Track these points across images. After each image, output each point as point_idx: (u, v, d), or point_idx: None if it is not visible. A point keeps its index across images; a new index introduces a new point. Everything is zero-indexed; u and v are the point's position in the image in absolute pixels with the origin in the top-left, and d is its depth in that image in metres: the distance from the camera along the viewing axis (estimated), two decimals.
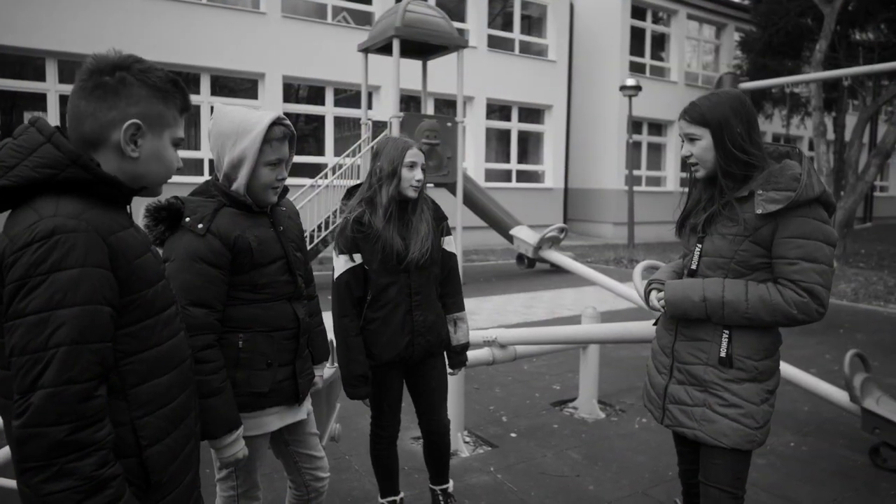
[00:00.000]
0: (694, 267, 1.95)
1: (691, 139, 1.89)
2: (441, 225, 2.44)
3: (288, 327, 1.90)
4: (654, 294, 2.02)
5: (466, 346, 2.58)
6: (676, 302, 1.90)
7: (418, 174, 2.29)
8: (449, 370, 2.57)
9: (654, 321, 2.24)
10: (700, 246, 1.93)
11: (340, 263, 2.33)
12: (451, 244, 2.51)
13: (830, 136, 13.48)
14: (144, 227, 1.74)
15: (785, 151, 1.92)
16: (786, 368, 3.64)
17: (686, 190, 2.06)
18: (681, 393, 1.96)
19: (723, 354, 1.87)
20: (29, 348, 1.04)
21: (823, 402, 3.76)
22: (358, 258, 2.31)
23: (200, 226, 1.74)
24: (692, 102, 1.90)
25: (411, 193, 2.30)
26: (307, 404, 2.08)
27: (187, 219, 1.75)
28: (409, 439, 3.58)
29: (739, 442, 1.86)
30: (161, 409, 1.24)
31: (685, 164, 1.98)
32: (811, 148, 15.98)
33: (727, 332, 1.87)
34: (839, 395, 3.54)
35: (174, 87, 1.28)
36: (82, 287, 1.07)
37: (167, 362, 1.27)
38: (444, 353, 2.54)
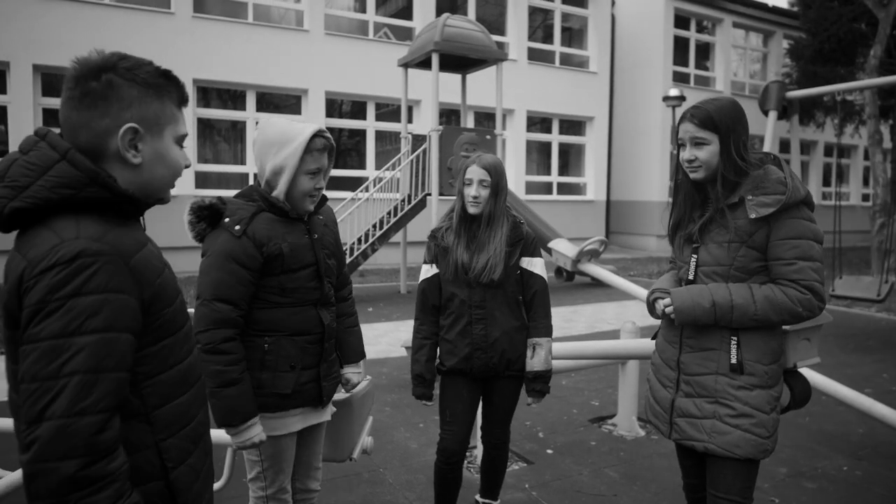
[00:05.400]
0: (691, 277, 1.95)
1: (698, 143, 1.88)
2: (518, 245, 2.44)
3: (313, 332, 1.96)
4: (659, 302, 2.00)
5: (543, 375, 2.46)
6: (686, 309, 1.89)
7: (472, 191, 2.37)
8: (527, 400, 2.53)
9: (652, 336, 2.22)
10: (695, 256, 1.94)
11: (423, 272, 2.53)
12: (535, 265, 2.47)
13: (887, 144, 12.95)
14: (187, 223, 1.84)
15: (759, 158, 1.93)
16: (838, 388, 3.48)
17: (671, 201, 2.08)
18: (689, 406, 1.95)
19: (734, 361, 1.87)
20: (40, 375, 0.98)
21: (879, 424, 3.57)
22: (435, 268, 2.49)
23: (237, 227, 1.82)
24: (696, 106, 1.90)
25: (470, 209, 2.39)
26: (330, 407, 2.13)
27: (226, 219, 1.84)
28: None
29: (752, 452, 1.86)
30: (183, 430, 1.21)
31: (678, 173, 2.00)
32: (866, 157, 15.37)
33: (735, 338, 1.87)
34: None
35: (166, 80, 1.18)
36: (103, 313, 1.02)
37: (186, 381, 1.23)
38: (521, 377, 2.51)
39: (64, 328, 1.00)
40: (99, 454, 1.00)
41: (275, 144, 1.87)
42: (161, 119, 1.18)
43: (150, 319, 1.13)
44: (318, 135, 1.88)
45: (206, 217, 1.85)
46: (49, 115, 10.08)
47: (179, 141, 1.23)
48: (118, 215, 1.14)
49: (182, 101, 1.23)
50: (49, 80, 10.04)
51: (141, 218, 1.22)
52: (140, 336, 1.11)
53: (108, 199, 1.10)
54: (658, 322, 2.13)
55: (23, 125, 9.59)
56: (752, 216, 1.80)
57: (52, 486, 0.97)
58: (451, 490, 2.57)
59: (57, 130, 1.14)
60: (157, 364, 1.16)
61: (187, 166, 1.26)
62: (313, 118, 11.71)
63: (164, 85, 1.18)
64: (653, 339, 2.20)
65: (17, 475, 2.15)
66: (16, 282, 1.04)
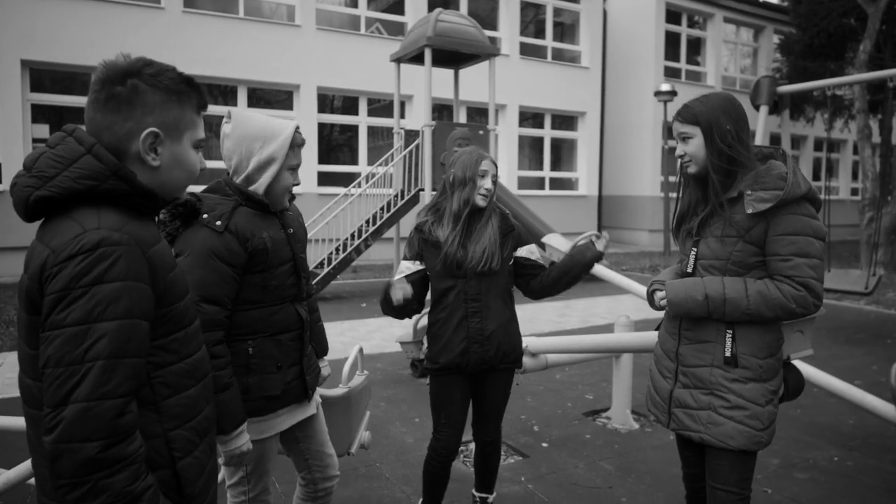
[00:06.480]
0: (690, 270, 1.99)
1: (684, 138, 1.94)
2: (510, 236, 2.46)
3: (293, 328, 1.93)
4: (657, 294, 2.03)
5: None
6: (679, 301, 1.92)
7: (487, 183, 2.38)
8: (596, 248, 2.42)
9: (656, 326, 2.26)
10: (695, 249, 1.97)
11: (403, 268, 2.46)
12: (533, 253, 2.52)
13: (876, 139, 13.04)
14: (160, 222, 1.73)
15: (768, 153, 1.96)
16: (829, 380, 3.51)
17: (677, 195, 2.11)
18: (686, 397, 1.99)
19: (728, 354, 1.90)
20: (65, 360, 1.02)
21: (869, 415, 3.62)
22: (419, 264, 2.44)
23: (219, 223, 1.74)
24: (684, 104, 1.96)
25: (480, 202, 2.39)
26: (316, 399, 2.12)
27: (205, 215, 1.75)
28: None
29: (746, 444, 1.89)
30: (189, 422, 1.23)
31: (681, 169, 2.03)
32: (856, 152, 15.49)
33: (730, 331, 1.90)
34: (886, 408, 3.39)
35: (188, 87, 1.24)
36: (123, 301, 1.06)
37: (194, 375, 1.26)
38: (513, 369, 2.55)
39: (87, 315, 1.04)
40: (118, 437, 1.04)
41: (258, 139, 1.82)
42: (181, 124, 1.23)
43: (162, 312, 1.17)
44: (295, 131, 1.88)
45: (181, 215, 1.76)
46: (37, 111, 9.98)
47: (197, 145, 1.28)
48: (135, 210, 1.18)
49: (202, 106, 1.27)
50: (37, 75, 9.93)
51: (156, 217, 1.27)
52: (152, 327, 1.15)
53: (127, 192, 1.14)
54: (659, 314, 2.15)
55: (11, 121, 9.50)
56: (750, 211, 1.82)
57: (74, 465, 1.01)
58: (442, 486, 2.59)
59: (83, 128, 1.18)
60: (167, 356, 1.20)
61: (203, 169, 1.30)
62: (305, 114, 11.67)
63: (185, 91, 1.23)
64: (656, 329, 2.23)
65: (15, 473, 2.14)
66: (38, 269, 1.08)
